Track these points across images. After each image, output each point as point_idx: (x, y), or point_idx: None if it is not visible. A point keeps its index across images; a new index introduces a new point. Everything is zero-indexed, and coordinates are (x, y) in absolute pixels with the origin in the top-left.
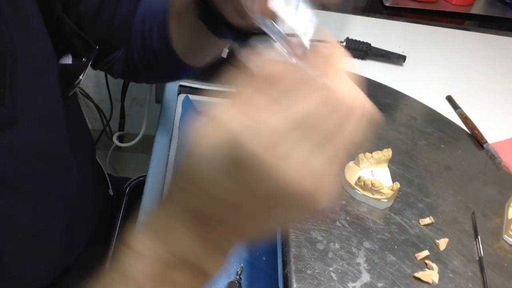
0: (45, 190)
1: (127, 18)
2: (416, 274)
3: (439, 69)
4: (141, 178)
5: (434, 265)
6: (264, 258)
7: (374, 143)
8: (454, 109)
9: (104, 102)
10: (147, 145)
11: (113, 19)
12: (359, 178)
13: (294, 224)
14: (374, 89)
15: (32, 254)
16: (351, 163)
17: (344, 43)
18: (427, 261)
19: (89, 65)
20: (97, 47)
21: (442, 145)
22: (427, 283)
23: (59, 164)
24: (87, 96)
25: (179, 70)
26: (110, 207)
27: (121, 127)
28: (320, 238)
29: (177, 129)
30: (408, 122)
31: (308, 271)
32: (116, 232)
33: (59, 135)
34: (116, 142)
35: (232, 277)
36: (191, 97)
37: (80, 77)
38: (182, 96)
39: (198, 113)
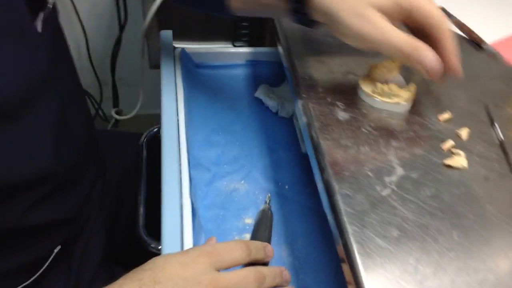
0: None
1: None
2: (446, 161)
3: None
4: (154, 130)
5: (460, 152)
6: (286, 187)
7: (380, 56)
8: (448, 17)
9: (91, 87)
10: (145, 121)
11: None
12: (376, 85)
13: (322, 135)
14: None
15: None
16: (364, 75)
17: None
18: (453, 150)
19: None
20: None
21: None
22: (457, 168)
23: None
24: None
25: (221, 13)
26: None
27: (116, 103)
28: (349, 144)
29: (180, 82)
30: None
31: (345, 173)
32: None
33: (38, 54)
34: (115, 115)
35: (262, 206)
36: (188, 50)
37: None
38: (178, 51)
39: (197, 65)
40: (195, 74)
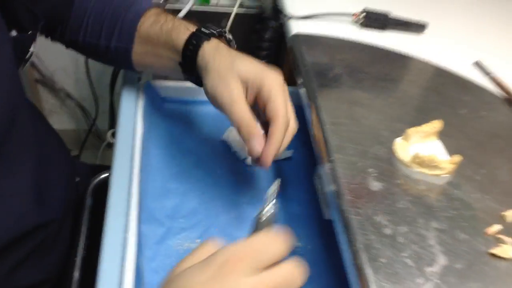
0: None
1: None
2: (492, 251)
3: (462, 35)
4: (103, 176)
5: (507, 239)
6: None
7: (413, 116)
8: (485, 74)
9: (86, 100)
10: None
11: None
12: (416, 155)
13: (354, 209)
14: (399, 61)
15: None
16: (399, 140)
17: (364, 14)
18: (499, 236)
19: (37, 38)
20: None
21: (484, 112)
22: (504, 258)
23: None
24: (68, 95)
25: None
26: (76, 193)
27: (112, 124)
28: (385, 222)
29: (140, 120)
30: (442, 91)
31: (381, 260)
32: (82, 231)
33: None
34: (111, 140)
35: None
36: (154, 82)
37: (31, 49)
38: (143, 83)
39: (163, 99)
40: (160, 110)
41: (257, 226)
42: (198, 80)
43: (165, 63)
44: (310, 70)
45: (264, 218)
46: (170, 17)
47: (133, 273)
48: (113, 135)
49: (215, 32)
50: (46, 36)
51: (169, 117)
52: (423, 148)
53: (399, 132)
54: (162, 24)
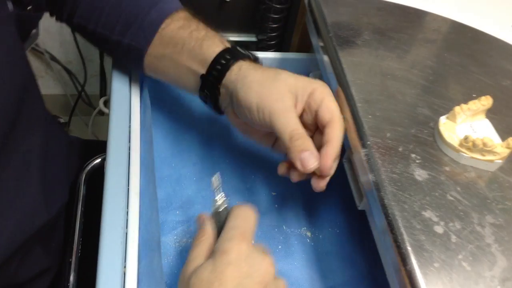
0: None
1: None
2: None
3: None
4: (97, 161)
5: None
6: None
7: (455, 90)
8: None
9: (73, 63)
10: None
11: None
12: (466, 138)
13: (398, 204)
14: (433, 24)
15: None
16: (443, 119)
17: None
18: None
19: (41, 18)
20: None
21: None
22: None
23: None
24: (53, 58)
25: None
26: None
27: (103, 90)
28: (435, 218)
29: (136, 93)
30: (482, 59)
31: (435, 264)
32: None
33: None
34: (103, 109)
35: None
36: None
37: (34, 30)
38: None
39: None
40: (160, 84)
41: (218, 219)
42: (213, 101)
43: (182, 73)
44: (333, 36)
45: (221, 210)
46: (202, 25)
47: (136, 272)
48: (105, 103)
49: (250, 54)
50: (51, 15)
51: (169, 92)
52: (471, 129)
53: (441, 110)
54: (192, 31)
